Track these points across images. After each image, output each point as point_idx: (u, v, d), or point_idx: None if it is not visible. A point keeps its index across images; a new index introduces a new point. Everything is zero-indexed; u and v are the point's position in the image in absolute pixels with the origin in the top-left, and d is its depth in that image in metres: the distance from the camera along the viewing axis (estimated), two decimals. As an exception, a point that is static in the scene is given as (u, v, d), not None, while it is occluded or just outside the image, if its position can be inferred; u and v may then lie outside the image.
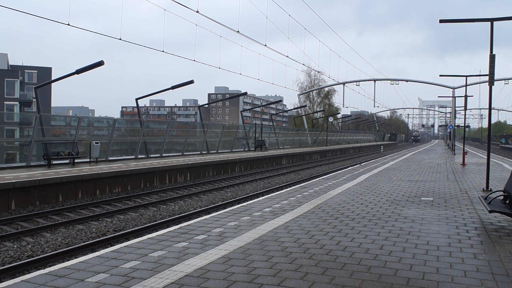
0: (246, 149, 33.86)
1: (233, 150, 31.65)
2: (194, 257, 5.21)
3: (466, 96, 28.75)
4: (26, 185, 12.11)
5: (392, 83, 63.21)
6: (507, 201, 7.40)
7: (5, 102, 56.84)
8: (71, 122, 36.04)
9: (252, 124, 40.96)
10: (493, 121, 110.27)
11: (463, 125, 49.01)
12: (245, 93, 38.61)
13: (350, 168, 21.05)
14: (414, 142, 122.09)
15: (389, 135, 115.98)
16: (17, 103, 59.00)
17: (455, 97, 47.47)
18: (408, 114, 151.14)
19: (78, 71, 18.51)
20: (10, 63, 67.89)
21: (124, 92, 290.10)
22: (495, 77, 11.82)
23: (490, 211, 6.90)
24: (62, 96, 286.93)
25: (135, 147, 21.92)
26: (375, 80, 64.53)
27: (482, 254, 5.51)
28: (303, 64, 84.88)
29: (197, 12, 21.86)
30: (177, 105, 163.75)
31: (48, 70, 72.35)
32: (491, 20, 11.71)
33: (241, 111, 45.13)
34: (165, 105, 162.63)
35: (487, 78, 11.96)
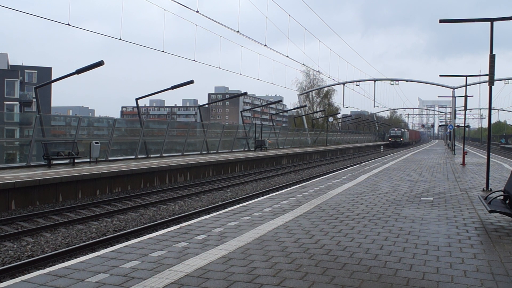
0: (246, 149, 33.86)
1: (233, 150, 31.64)
2: (194, 257, 5.21)
3: (466, 96, 28.75)
4: (26, 185, 12.11)
5: (392, 83, 63.18)
6: (507, 201, 7.40)
7: (5, 102, 56.83)
8: (71, 122, 36.09)
9: (252, 124, 40.95)
10: (493, 121, 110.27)
11: (463, 125, 49.00)
12: (245, 93, 38.60)
13: (350, 168, 21.04)
14: (393, 146, 75.71)
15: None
16: (17, 103, 58.98)
17: (455, 97, 47.47)
18: (408, 114, 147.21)
19: (78, 71, 18.50)
20: (10, 63, 67.89)
21: (124, 92, 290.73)
22: (495, 77, 11.81)
23: (490, 211, 6.90)
24: (62, 96, 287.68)
25: (135, 147, 21.91)
26: (375, 80, 64.51)
27: (482, 254, 5.51)
28: (303, 64, 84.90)
29: (197, 12, 21.88)
30: (177, 105, 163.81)
31: (48, 70, 72.37)
32: (491, 20, 11.71)
33: (241, 111, 45.12)
34: (165, 105, 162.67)
35: (487, 78, 11.95)
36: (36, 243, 8.82)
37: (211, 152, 28.21)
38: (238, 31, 26.78)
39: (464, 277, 4.62)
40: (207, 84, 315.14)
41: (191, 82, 25.09)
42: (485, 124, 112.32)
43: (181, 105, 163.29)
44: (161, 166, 17.76)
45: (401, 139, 79.75)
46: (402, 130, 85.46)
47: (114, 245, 6.42)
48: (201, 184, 18.11)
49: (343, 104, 69.67)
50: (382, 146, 63.38)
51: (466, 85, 27.07)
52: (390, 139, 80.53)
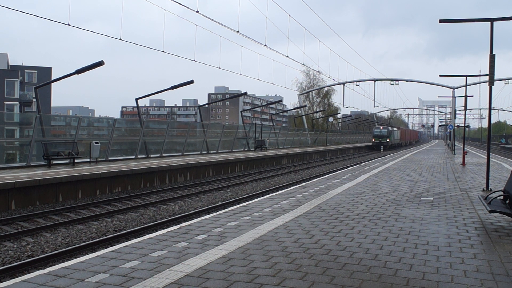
0: (246, 149, 33.86)
1: (233, 150, 31.64)
2: (194, 257, 5.21)
3: (466, 96, 28.75)
4: (26, 185, 12.11)
5: (392, 83, 63.16)
6: (507, 201, 7.40)
7: (5, 102, 56.84)
8: (71, 122, 36.12)
9: (252, 124, 40.96)
10: (493, 121, 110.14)
11: (463, 125, 49.00)
12: (245, 93, 38.62)
13: (350, 168, 21.04)
14: (377, 149, 60.07)
15: None
16: (17, 103, 59.00)
17: (455, 97, 47.49)
18: (408, 114, 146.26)
19: (78, 71, 18.50)
20: (10, 63, 67.89)
21: (124, 92, 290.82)
22: (495, 77, 11.81)
23: (490, 211, 6.90)
24: (62, 96, 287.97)
25: (135, 147, 21.91)
26: (375, 80, 64.51)
27: (482, 254, 5.51)
28: (303, 64, 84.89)
29: (197, 12, 21.88)
30: (177, 105, 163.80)
31: (48, 70, 72.37)
32: (491, 20, 11.71)
33: (241, 111, 45.14)
34: (165, 105, 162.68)
35: (487, 78, 11.95)
36: (36, 243, 8.82)
37: (211, 152, 28.21)
38: (238, 31, 26.81)
39: (464, 277, 4.62)
40: (207, 84, 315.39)
41: (191, 82, 25.10)
42: (485, 124, 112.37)
43: (181, 105, 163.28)
44: (161, 166, 17.76)
45: (388, 140, 63.09)
46: (389, 128, 68.17)
47: (114, 245, 6.42)
48: (201, 184, 18.11)
49: (343, 104, 69.68)
50: (381, 147, 62.55)
51: (466, 85, 27.08)
52: (373, 139, 64.00)
